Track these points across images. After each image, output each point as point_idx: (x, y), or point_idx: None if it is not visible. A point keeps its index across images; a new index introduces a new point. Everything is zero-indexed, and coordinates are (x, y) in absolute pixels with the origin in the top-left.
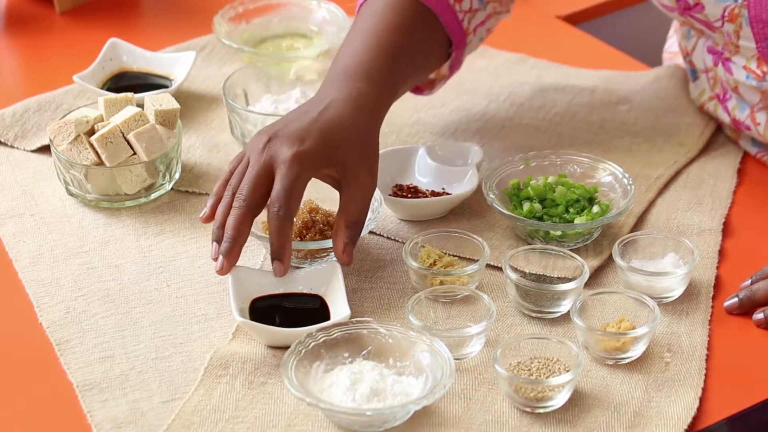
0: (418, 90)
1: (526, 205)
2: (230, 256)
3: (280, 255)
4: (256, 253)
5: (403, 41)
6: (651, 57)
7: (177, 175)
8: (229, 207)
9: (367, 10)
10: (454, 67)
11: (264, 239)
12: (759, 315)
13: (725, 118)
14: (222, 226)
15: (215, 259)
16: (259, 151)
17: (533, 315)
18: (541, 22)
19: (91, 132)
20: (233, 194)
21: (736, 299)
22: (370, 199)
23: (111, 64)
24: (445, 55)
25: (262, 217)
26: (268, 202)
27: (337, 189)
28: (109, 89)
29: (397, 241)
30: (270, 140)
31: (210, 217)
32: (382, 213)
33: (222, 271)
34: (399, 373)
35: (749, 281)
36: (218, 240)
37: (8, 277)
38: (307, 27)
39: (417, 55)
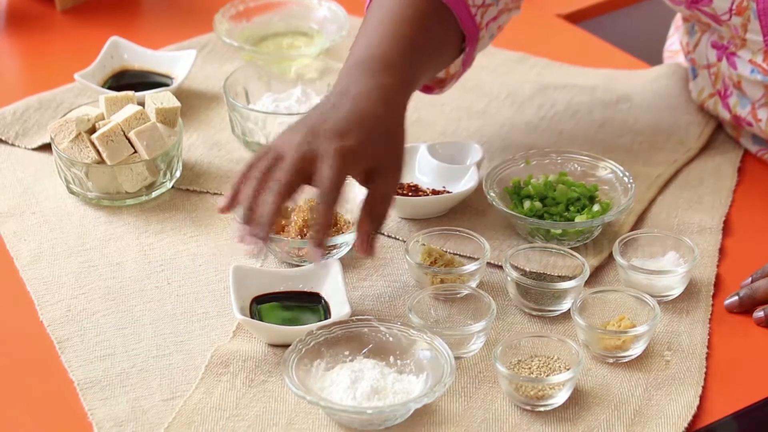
0: (427, 89)
1: (527, 204)
2: (265, 238)
3: (320, 242)
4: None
5: (419, 35)
6: (651, 56)
7: (178, 174)
8: (258, 192)
9: (380, 3)
10: (467, 64)
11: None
12: (759, 313)
13: (725, 115)
14: (252, 207)
15: (242, 241)
16: (297, 144)
17: (534, 313)
18: (542, 21)
19: (92, 130)
20: (260, 182)
21: (736, 297)
22: (395, 193)
23: (112, 63)
24: (458, 50)
25: None
26: (318, 190)
27: (363, 183)
28: (110, 87)
29: (398, 239)
30: (308, 135)
31: (229, 207)
32: None
33: (259, 253)
34: (399, 371)
35: (749, 279)
36: (249, 221)
37: (9, 275)
38: (307, 25)
39: (432, 49)
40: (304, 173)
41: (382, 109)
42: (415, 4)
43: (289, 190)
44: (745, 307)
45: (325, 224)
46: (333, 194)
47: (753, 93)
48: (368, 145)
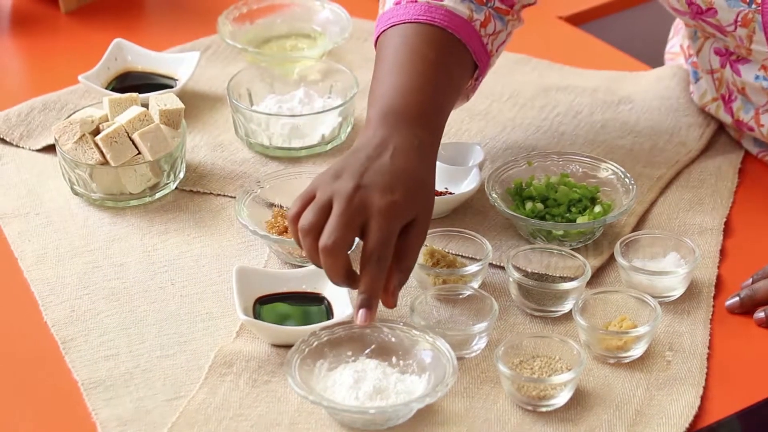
0: None
1: (529, 205)
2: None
3: (370, 303)
4: (260, 252)
5: (444, 79)
6: (652, 57)
7: (181, 175)
8: (311, 249)
9: (396, 41)
10: (474, 90)
11: (267, 239)
12: (760, 314)
13: (727, 119)
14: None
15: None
16: (347, 197)
17: (535, 314)
18: (543, 23)
19: (96, 132)
20: (314, 238)
21: (737, 298)
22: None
23: (116, 64)
24: (470, 80)
25: (266, 216)
26: (368, 251)
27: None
28: (113, 89)
29: None
30: (358, 188)
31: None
32: None
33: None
34: (402, 371)
35: (750, 280)
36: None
37: (13, 276)
38: (310, 27)
39: (454, 91)
40: (355, 227)
41: (420, 164)
42: (435, 44)
43: (347, 247)
44: (745, 308)
45: (379, 286)
46: (387, 252)
47: (758, 99)
48: (411, 200)
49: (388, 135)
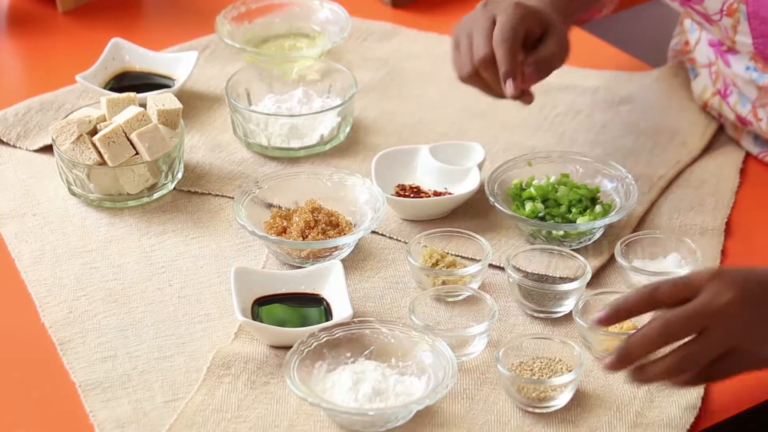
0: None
1: (529, 205)
2: None
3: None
4: (258, 252)
5: None
6: (653, 57)
7: (179, 175)
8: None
9: None
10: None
11: (266, 239)
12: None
13: (730, 114)
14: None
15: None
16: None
17: (535, 315)
18: None
19: (94, 132)
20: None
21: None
22: None
23: (113, 64)
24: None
25: (264, 216)
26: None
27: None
28: (111, 89)
29: (400, 240)
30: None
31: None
32: (384, 213)
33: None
34: (401, 373)
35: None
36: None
37: (10, 276)
38: (309, 27)
39: None
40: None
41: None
42: None
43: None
44: (624, 366)
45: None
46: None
47: (749, 92)
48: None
49: None
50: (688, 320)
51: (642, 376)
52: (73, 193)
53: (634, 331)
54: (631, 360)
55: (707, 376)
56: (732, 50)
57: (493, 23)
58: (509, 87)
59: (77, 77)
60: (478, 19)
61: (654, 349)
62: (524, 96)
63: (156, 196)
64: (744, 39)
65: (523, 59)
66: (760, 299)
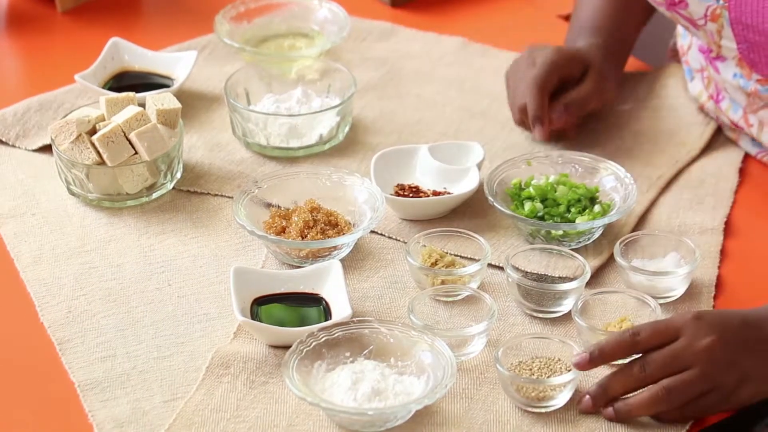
0: None
1: (528, 205)
2: None
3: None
4: (257, 252)
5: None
6: (652, 57)
7: (178, 175)
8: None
9: None
10: None
11: (265, 239)
12: (608, 410)
13: (724, 118)
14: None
15: None
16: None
17: (535, 314)
18: (543, 22)
19: (93, 131)
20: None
21: (587, 397)
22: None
23: (112, 64)
24: None
25: (263, 216)
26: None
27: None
28: (110, 89)
29: (399, 240)
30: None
31: None
32: (383, 212)
33: None
34: (400, 372)
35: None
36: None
37: (10, 276)
38: (308, 26)
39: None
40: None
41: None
42: None
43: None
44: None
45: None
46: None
47: (738, 98)
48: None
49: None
50: (670, 359)
51: (624, 409)
52: (72, 193)
53: (612, 372)
54: (607, 397)
55: (687, 414)
56: (720, 57)
57: (533, 68)
58: (537, 132)
59: (76, 77)
60: (521, 64)
61: (632, 388)
62: (566, 133)
63: (155, 195)
64: (729, 44)
65: (551, 103)
66: (739, 342)
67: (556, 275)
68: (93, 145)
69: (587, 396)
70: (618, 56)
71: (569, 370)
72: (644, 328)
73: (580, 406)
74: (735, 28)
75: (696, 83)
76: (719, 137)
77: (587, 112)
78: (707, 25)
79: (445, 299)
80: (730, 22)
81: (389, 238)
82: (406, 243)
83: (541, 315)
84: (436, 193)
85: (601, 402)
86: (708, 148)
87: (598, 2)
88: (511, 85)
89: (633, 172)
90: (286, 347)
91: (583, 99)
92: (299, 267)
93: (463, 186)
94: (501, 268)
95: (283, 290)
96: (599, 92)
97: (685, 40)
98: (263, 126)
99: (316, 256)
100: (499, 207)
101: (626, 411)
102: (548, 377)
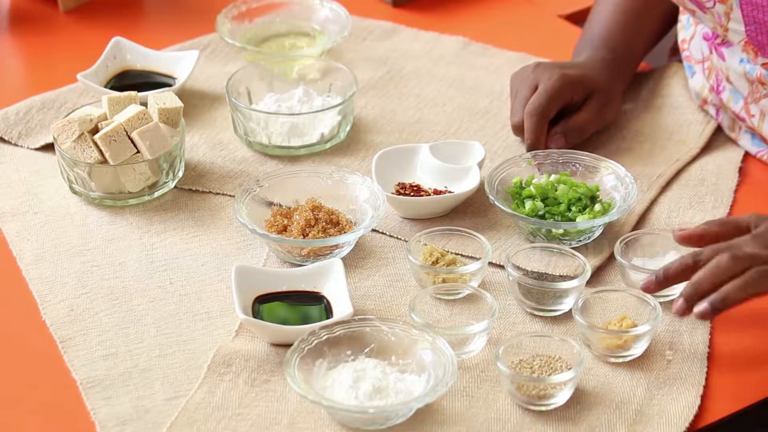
0: None
1: (529, 204)
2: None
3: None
4: (259, 250)
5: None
6: (653, 56)
7: (180, 173)
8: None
9: None
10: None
11: (266, 237)
12: (704, 305)
13: (727, 108)
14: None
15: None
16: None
17: (535, 313)
18: (543, 21)
19: (95, 130)
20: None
21: (653, 278)
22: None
23: (114, 63)
24: None
25: (265, 215)
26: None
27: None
28: (112, 88)
29: (400, 239)
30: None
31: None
32: (384, 211)
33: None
34: (401, 370)
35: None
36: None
37: (12, 274)
38: (309, 26)
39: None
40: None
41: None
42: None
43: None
44: (690, 304)
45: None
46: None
47: (741, 86)
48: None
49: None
50: (760, 239)
51: (719, 297)
52: (75, 192)
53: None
54: (699, 294)
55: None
56: (726, 42)
57: (533, 90)
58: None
59: (78, 76)
60: (524, 81)
61: (722, 280)
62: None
63: (157, 194)
64: (737, 26)
65: (550, 129)
66: None
67: (557, 274)
68: (95, 143)
69: (680, 299)
70: (625, 72)
71: (569, 369)
72: (705, 251)
73: (674, 308)
74: (745, 8)
75: (697, 78)
76: (719, 136)
77: (586, 138)
78: (716, 7)
79: (445, 298)
80: (740, 3)
81: (390, 236)
82: (407, 242)
83: (541, 313)
84: (437, 192)
85: (694, 300)
86: (708, 147)
87: (612, 13)
88: (513, 94)
89: (633, 171)
90: (288, 345)
91: (581, 127)
92: (300, 265)
93: (464, 185)
94: (502, 267)
95: (284, 288)
96: (600, 118)
97: (687, 32)
98: (265, 125)
99: (318, 254)
100: (500, 206)
101: (722, 299)
102: (549, 375)
